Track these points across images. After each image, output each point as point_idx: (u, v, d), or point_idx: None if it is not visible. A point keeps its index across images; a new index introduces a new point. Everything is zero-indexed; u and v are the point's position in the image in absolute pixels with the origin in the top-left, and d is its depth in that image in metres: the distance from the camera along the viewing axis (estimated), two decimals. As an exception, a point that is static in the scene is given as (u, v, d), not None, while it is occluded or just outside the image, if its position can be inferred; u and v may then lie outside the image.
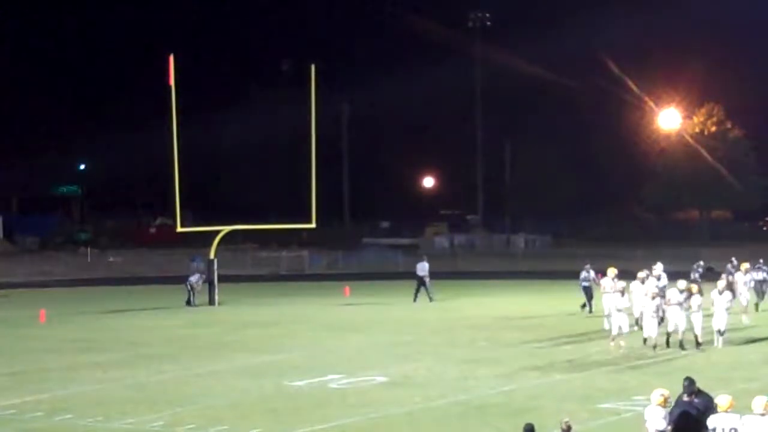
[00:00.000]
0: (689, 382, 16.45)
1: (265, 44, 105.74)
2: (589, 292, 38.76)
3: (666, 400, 15.43)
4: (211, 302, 45.43)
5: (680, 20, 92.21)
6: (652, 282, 33.60)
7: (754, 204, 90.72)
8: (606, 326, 32.93)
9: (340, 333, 35.35)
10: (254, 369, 27.85)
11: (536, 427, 14.33)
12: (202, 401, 23.41)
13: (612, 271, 34.10)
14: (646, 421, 15.42)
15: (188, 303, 44.91)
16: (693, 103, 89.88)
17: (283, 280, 62.57)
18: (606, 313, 33.27)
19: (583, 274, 39.47)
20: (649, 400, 16.06)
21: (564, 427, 14.17)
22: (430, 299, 44.97)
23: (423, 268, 45.35)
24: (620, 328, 30.47)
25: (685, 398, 16.00)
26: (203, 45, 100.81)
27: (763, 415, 14.64)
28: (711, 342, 30.13)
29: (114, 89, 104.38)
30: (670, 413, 15.43)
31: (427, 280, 45.25)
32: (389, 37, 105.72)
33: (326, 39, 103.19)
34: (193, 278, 45.77)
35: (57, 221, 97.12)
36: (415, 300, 44.94)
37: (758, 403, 14.76)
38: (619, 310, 30.76)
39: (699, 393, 16.17)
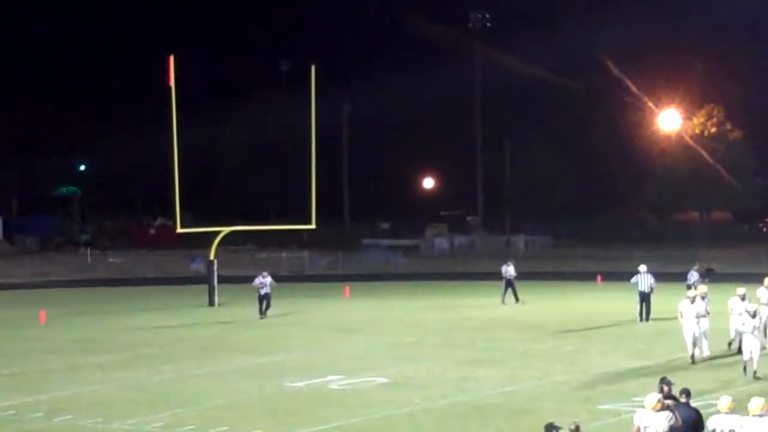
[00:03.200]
0: (669, 382, 16.53)
1: (265, 44, 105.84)
2: None
3: (662, 405, 15.41)
4: (211, 303, 45.41)
5: (680, 20, 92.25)
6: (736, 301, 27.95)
7: (754, 205, 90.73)
8: (697, 352, 28.09)
9: (340, 333, 35.33)
10: (254, 369, 27.83)
11: (536, 428, 14.32)
12: (202, 402, 23.39)
13: (741, 290, 28.32)
14: (646, 427, 15.27)
15: (262, 312, 40.51)
16: (693, 104, 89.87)
17: (284, 280, 62.50)
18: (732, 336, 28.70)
19: (692, 277, 39.41)
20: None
21: (572, 427, 14.17)
22: (508, 300, 43.61)
23: (509, 270, 43.79)
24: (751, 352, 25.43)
25: (683, 400, 16.01)
26: (203, 45, 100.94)
27: (761, 416, 14.65)
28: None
29: (114, 89, 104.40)
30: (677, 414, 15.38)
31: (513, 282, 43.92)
32: (389, 37, 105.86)
33: (326, 39, 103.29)
34: (265, 286, 40.79)
35: (57, 221, 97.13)
36: (517, 300, 43.35)
37: (755, 404, 14.77)
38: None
39: (671, 395, 16.25)
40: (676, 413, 15.27)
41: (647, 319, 37.30)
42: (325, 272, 67.72)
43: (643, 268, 37.80)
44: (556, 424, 14.16)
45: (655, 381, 17.06)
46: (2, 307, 46.43)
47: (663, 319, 37.91)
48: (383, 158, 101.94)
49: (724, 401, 15.04)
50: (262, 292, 40.83)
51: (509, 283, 43.82)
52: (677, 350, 29.92)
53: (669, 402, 15.62)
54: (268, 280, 41.17)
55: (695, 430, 15.47)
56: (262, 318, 40.24)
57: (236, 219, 61.25)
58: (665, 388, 16.32)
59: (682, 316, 28.07)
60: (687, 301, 28.23)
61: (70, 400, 24.03)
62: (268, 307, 40.69)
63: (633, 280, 37.78)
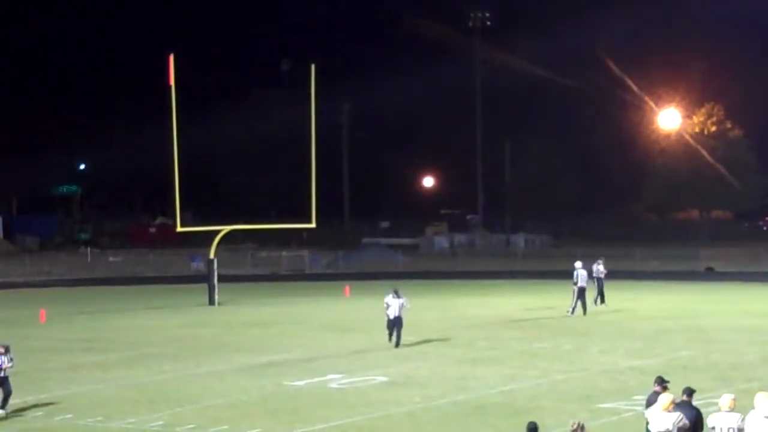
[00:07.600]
0: (660, 381, 16.48)
1: (265, 44, 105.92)
2: None
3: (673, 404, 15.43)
4: (211, 302, 45.41)
5: (680, 20, 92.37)
6: None
7: (754, 204, 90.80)
8: None
9: (340, 333, 35.31)
10: (254, 369, 27.83)
11: (536, 427, 14.30)
12: (202, 401, 23.39)
13: None
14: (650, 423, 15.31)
15: (390, 339, 31.69)
16: (693, 103, 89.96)
17: (283, 280, 62.55)
18: None
19: None
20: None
21: (574, 427, 14.17)
22: (603, 302, 41.62)
23: (599, 269, 41.84)
24: None
25: (685, 398, 16.02)
26: (203, 45, 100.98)
27: (730, 411, 14.74)
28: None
29: (114, 89, 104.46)
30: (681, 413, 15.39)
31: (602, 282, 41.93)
32: (389, 37, 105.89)
33: (326, 39, 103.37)
34: (395, 307, 31.55)
35: (57, 221, 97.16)
36: (603, 302, 41.43)
37: (725, 400, 14.83)
38: None
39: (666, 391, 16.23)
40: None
41: (585, 312, 38.24)
42: (324, 271, 67.71)
43: (578, 264, 38.93)
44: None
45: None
46: (2, 306, 46.41)
47: (662, 318, 37.99)
48: (383, 157, 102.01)
49: (726, 399, 15.04)
50: (391, 315, 31.59)
51: (600, 283, 41.69)
52: (676, 349, 29.96)
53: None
54: (401, 301, 31.69)
55: (695, 429, 15.47)
56: (390, 344, 31.43)
57: (236, 218, 61.31)
58: (659, 387, 16.31)
59: None
60: None
61: (71, 399, 24.03)
62: (399, 338, 31.31)
63: (579, 276, 38.48)
